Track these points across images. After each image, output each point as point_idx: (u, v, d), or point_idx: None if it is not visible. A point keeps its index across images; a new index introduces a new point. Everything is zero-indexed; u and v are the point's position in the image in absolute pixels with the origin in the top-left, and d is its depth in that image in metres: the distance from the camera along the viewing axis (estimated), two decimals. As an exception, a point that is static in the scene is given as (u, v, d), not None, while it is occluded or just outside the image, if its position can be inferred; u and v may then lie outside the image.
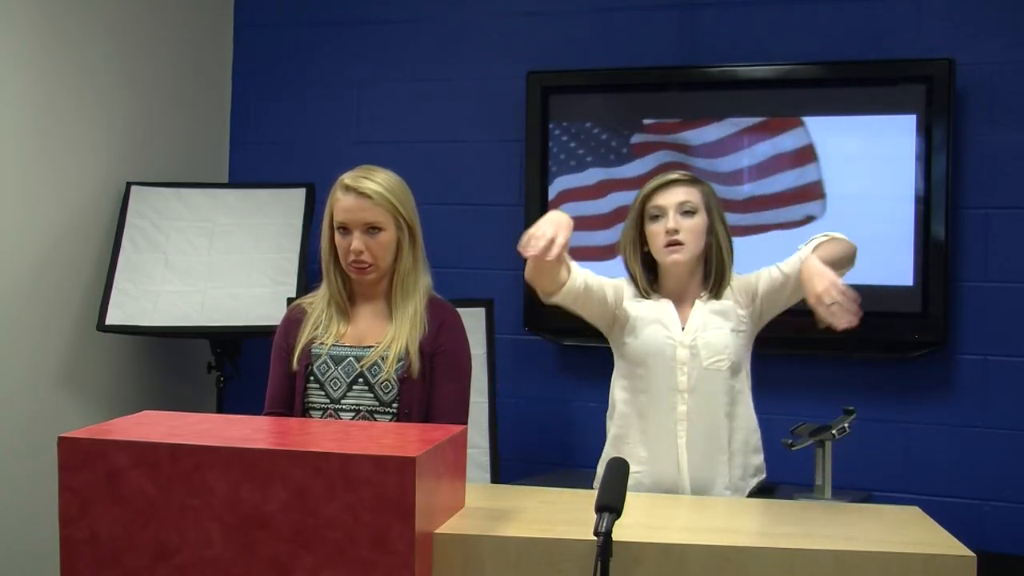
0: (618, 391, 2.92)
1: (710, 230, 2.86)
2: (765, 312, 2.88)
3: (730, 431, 2.82)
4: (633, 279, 2.92)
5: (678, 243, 2.81)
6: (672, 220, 2.81)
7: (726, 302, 2.87)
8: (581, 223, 4.27)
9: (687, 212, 2.82)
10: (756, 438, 2.90)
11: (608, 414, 2.95)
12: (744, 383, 2.87)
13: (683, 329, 2.83)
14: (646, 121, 4.21)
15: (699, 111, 4.15)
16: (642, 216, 2.89)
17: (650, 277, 2.92)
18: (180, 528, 1.99)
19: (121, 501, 2.01)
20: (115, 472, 2.01)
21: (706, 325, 2.83)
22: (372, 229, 2.64)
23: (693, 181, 2.90)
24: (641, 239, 2.90)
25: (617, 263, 3.02)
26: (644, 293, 2.90)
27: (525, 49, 4.45)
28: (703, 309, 2.86)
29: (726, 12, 4.22)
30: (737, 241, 2.98)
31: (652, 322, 2.85)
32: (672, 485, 2.79)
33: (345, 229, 2.65)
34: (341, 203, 2.66)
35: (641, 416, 2.85)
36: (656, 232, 2.84)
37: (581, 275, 2.84)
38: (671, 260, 2.83)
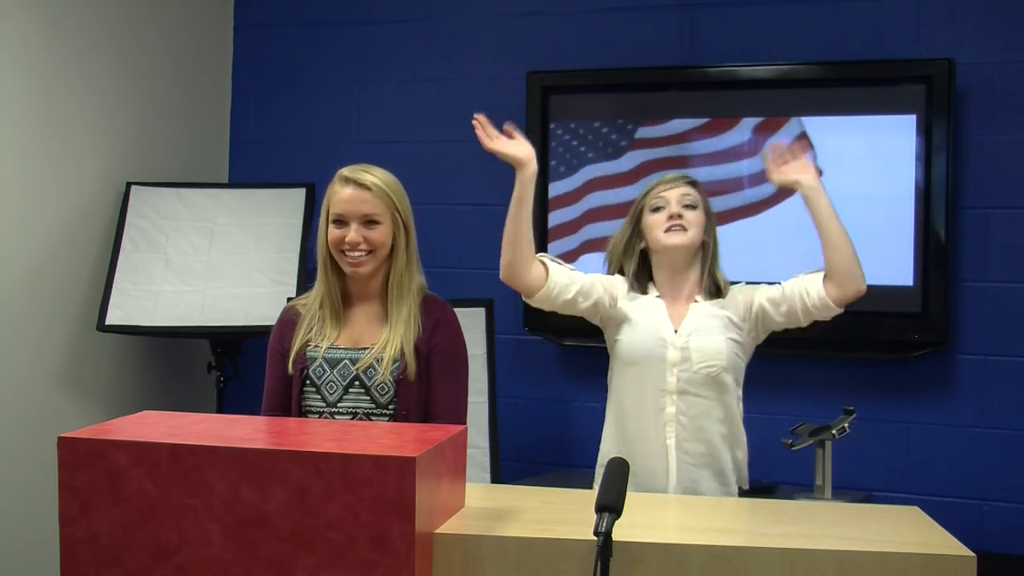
0: (612, 390, 2.93)
1: (708, 231, 2.91)
2: (759, 326, 2.87)
3: (719, 436, 2.82)
4: (627, 275, 2.94)
5: (681, 226, 2.84)
6: (675, 207, 2.86)
7: (724, 310, 2.86)
8: (582, 219, 4.29)
9: (689, 205, 2.87)
10: (742, 447, 2.89)
11: (607, 403, 2.96)
12: (734, 391, 2.86)
13: (676, 331, 2.84)
14: (646, 121, 4.21)
15: (699, 111, 4.15)
16: (640, 214, 2.92)
17: (644, 279, 2.93)
18: (180, 528, 1.99)
19: (121, 501, 2.01)
20: (115, 472, 2.01)
21: (700, 328, 2.83)
22: (369, 222, 2.64)
23: (693, 182, 2.95)
24: (637, 237, 2.92)
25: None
26: (636, 288, 2.91)
27: (525, 49, 4.45)
28: (699, 312, 2.86)
29: (726, 12, 4.22)
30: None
31: (644, 322, 2.86)
32: (659, 485, 2.79)
33: (342, 221, 2.65)
34: (339, 195, 2.66)
35: (632, 416, 2.85)
36: (657, 220, 2.87)
37: (562, 276, 2.85)
38: (672, 242, 2.84)
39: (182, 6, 4.62)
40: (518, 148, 2.79)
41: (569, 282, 2.86)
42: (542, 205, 4.28)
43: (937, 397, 3.97)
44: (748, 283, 2.94)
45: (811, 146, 2.88)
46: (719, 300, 2.88)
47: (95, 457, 2.02)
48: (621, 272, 2.97)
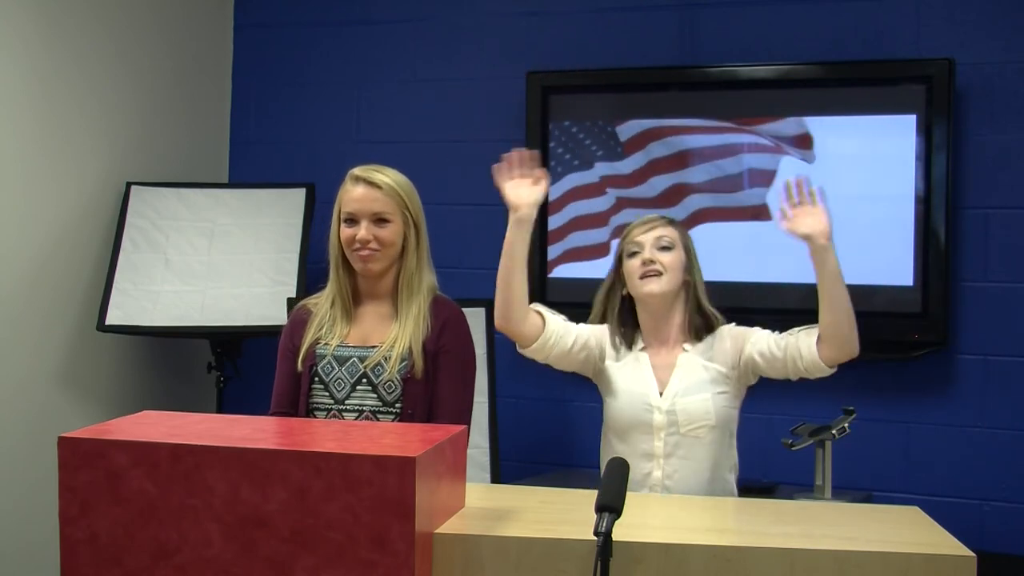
0: (602, 448, 2.89)
1: (687, 270, 2.84)
2: (749, 374, 2.82)
3: (709, 492, 2.77)
4: (611, 329, 2.88)
5: (655, 272, 2.78)
6: (648, 252, 2.79)
7: (713, 362, 2.80)
8: (582, 222, 4.29)
9: (664, 247, 2.80)
10: (731, 491, 2.84)
11: (600, 455, 2.91)
12: (726, 444, 2.81)
13: (661, 394, 2.78)
14: (646, 121, 4.21)
15: (699, 111, 4.16)
16: (620, 260, 2.87)
17: (629, 327, 2.88)
18: (180, 528, 1.99)
19: (121, 501, 2.01)
20: (115, 472, 2.01)
21: (687, 388, 2.77)
22: (380, 220, 2.66)
23: (669, 221, 2.89)
24: (620, 283, 2.87)
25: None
26: (621, 343, 2.85)
27: (525, 49, 4.45)
28: (687, 366, 2.80)
29: (726, 12, 4.22)
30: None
31: (629, 390, 2.80)
32: None
33: (353, 220, 2.67)
34: (350, 194, 2.68)
35: None
36: (633, 267, 2.81)
37: (557, 327, 2.81)
38: (647, 290, 2.78)
39: (182, 6, 4.62)
40: (517, 192, 2.73)
41: (565, 332, 2.82)
42: (542, 207, 4.26)
43: (937, 397, 3.97)
44: (738, 324, 2.88)
45: (822, 193, 2.74)
46: (708, 344, 2.82)
47: (95, 457, 2.02)
48: (605, 319, 2.90)
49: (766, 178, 4.06)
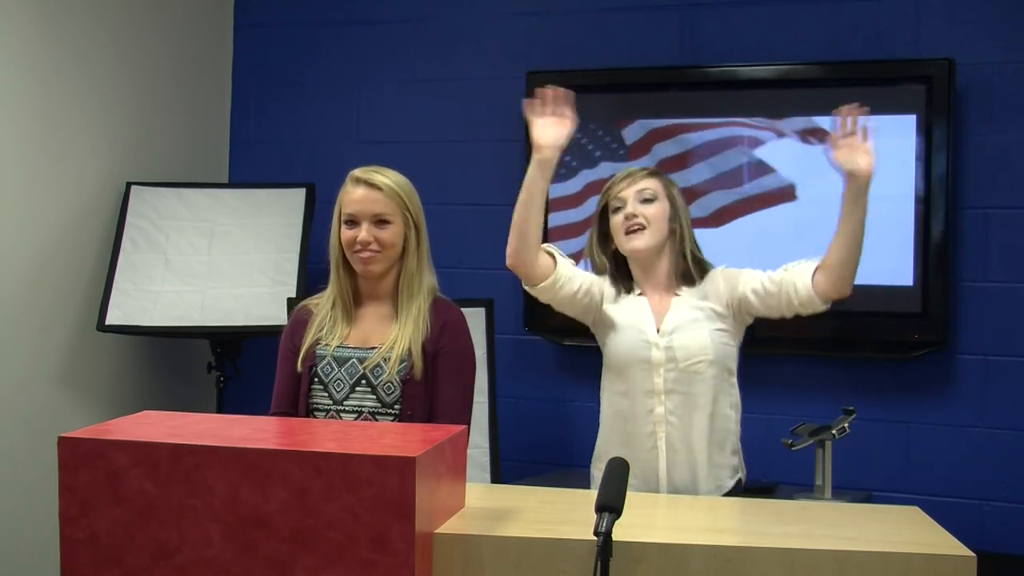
0: (603, 392, 2.93)
1: (674, 218, 2.87)
2: (743, 312, 2.85)
3: (710, 431, 2.80)
4: (609, 278, 2.93)
5: (638, 227, 2.82)
6: (631, 206, 2.83)
7: (707, 300, 2.84)
8: (582, 224, 4.29)
9: (646, 200, 2.84)
10: (734, 439, 2.87)
11: (601, 404, 2.96)
12: (726, 381, 2.84)
13: (659, 331, 2.82)
14: (646, 121, 4.21)
15: (699, 111, 4.15)
16: (606, 215, 2.90)
17: (624, 277, 2.92)
18: (180, 528, 1.99)
19: (121, 501, 2.01)
20: (115, 472, 2.01)
21: (683, 325, 2.81)
22: (381, 222, 2.66)
23: (652, 172, 2.92)
24: (608, 238, 2.91)
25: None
26: (619, 290, 2.90)
27: (525, 49, 4.45)
28: (681, 307, 2.84)
29: (726, 12, 4.22)
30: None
31: (628, 326, 2.85)
32: (651, 485, 2.79)
33: (353, 221, 2.67)
34: (351, 195, 2.69)
35: (623, 418, 2.85)
36: (617, 223, 2.85)
37: (567, 269, 2.85)
38: (631, 246, 2.83)
39: (182, 6, 4.62)
40: (544, 131, 2.73)
41: (573, 276, 2.86)
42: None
43: (937, 397, 3.97)
44: (728, 267, 2.92)
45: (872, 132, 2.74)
46: (701, 288, 2.86)
47: (95, 457, 2.02)
48: (601, 272, 2.95)
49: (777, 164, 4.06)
